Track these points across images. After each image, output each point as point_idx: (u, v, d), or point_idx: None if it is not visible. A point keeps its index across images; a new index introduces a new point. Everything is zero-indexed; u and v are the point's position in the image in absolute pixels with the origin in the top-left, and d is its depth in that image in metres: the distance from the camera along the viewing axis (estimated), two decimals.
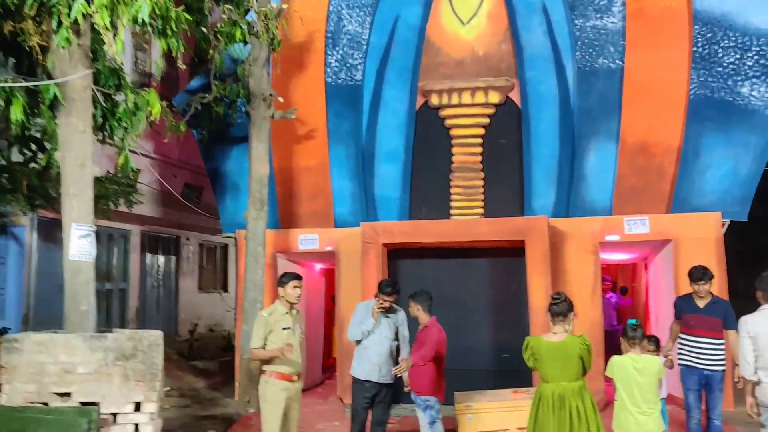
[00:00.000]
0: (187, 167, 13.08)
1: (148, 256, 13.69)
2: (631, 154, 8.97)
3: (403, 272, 9.25)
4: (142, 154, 11.90)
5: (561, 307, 4.46)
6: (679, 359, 6.28)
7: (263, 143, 8.48)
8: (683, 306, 6.41)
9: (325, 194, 9.87)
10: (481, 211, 9.50)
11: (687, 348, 6.19)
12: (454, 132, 9.64)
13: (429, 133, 9.78)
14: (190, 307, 14.52)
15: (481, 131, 9.60)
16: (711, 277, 6.15)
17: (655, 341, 6.15)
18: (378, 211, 9.82)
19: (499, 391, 6.07)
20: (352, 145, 9.86)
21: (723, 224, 8.55)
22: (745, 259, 11.21)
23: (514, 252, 8.47)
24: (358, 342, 5.87)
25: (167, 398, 9.72)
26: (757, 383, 4.79)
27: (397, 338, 5.96)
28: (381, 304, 5.75)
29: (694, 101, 8.67)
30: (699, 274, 6.15)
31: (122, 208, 10.34)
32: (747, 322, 4.95)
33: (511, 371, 8.65)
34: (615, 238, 8.75)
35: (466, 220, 8.98)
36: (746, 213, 8.71)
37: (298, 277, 5.39)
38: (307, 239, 9.59)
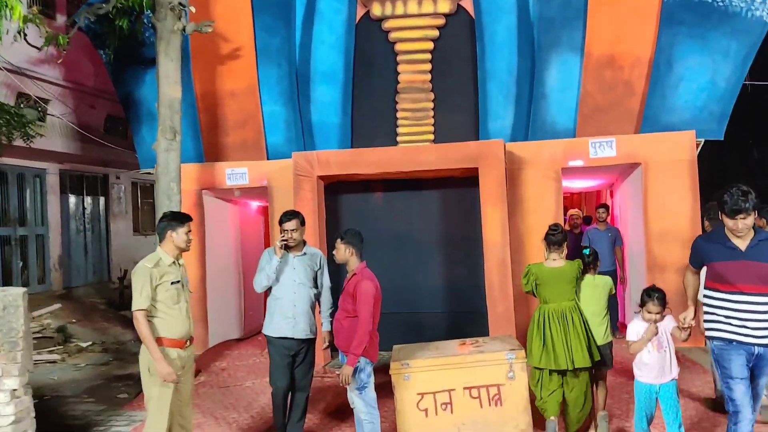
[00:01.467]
0: (107, 97, 11.62)
1: (71, 197, 12.39)
2: (596, 68, 7.94)
3: (344, 209, 8.25)
4: (49, 81, 10.48)
5: (558, 237, 4.85)
6: (712, 331, 3.96)
7: (173, 61, 7.20)
8: (710, 250, 3.93)
9: (255, 122, 8.68)
10: (432, 137, 8.46)
11: (722, 313, 3.88)
12: (399, 47, 8.46)
13: (371, 49, 8.60)
14: (125, 251, 13.34)
15: (430, 46, 8.44)
16: (754, 205, 3.70)
17: (661, 298, 4.31)
18: (316, 140, 8.71)
19: (444, 343, 5.17)
20: (285, 65, 8.62)
21: (697, 144, 7.67)
22: (718, 180, 10.43)
23: (467, 182, 7.50)
24: (269, 293, 4.87)
25: (87, 354, 8.75)
26: None
27: (316, 285, 4.97)
28: (283, 237, 4.73)
29: (668, 4, 7.61)
30: (736, 202, 3.67)
31: (21, 143, 8.99)
32: None
33: (464, 313, 7.87)
34: (579, 163, 7.83)
35: (412, 146, 7.92)
36: (723, 131, 7.84)
37: (190, 219, 4.33)
38: (235, 173, 8.46)
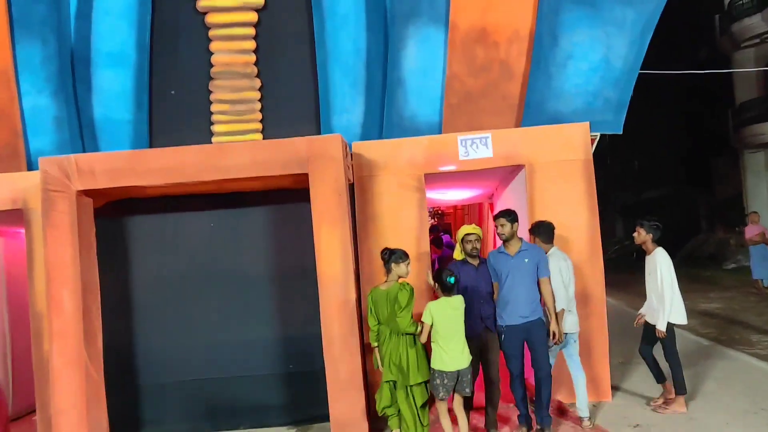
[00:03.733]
0: None
1: None
2: (465, 44, 6.17)
3: (131, 237, 5.97)
4: None
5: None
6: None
7: None
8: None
9: (9, 118, 6.26)
10: (260, 136, 6.40)
11: None
12: (211, 19, 6.35)
13: (174, 21, 6.45)
14: None
15: (253, 17, 6.39)
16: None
17: None
18: (100, 142, 6.41)
19: None
20: (53, 41, 6.29)
21: (592, 139, 6.02)
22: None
23: (304, 195, 5.45)
24: None
25: None
26: None
27: None
28: None
29: None
30: None
31: None
32: None
33: (299, 375, 5.81)
34: (449, 168, 5.98)
35: (215, 146, 5.76)
36: (621, 124, 6.26)
37: None
38: None
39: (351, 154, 5.91)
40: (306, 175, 5.22)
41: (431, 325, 4.69)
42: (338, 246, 5.12)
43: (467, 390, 4.74)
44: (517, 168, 6.13)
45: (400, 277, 4.87)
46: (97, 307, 5.45)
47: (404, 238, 5.86)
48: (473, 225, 5.53)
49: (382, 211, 5.92)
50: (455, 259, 5.56)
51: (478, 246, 5.23)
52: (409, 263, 4.93)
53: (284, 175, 5.32)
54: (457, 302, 4.76)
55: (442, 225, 15.68)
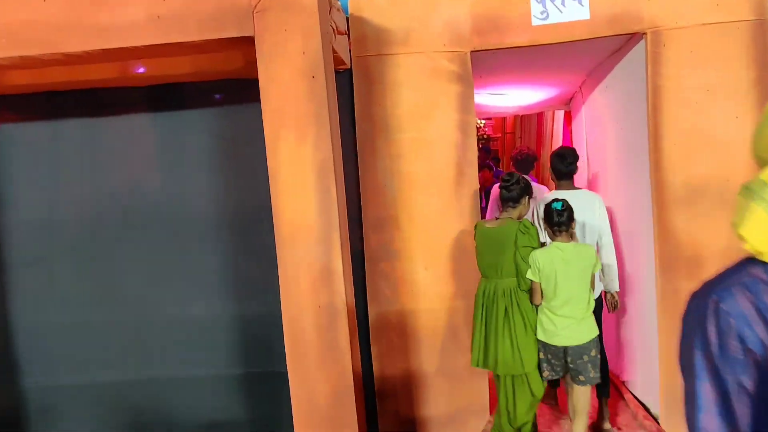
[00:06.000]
0: None
1: None
2: None
3: None
4: None
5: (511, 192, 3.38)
6: None
7: None
8: None
9: None
10: None
11: None
12: None
13: None
14: None
15: None
16: None
17: None
18: None
19: None
20: None
21: None
22: None
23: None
24: None
25: None
26: None
27: None
28: None
29: None
30: None
31: None
32: None
33: (252, 376, 3.61)
34: (514, 41, 3.50)
35: None
36: None
37: None
38: None
39: (347, 18, 3.51)
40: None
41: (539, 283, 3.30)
42: (310, 173, 2.76)
43: (582, 376, 3.29)
44: (629, 40, 3.64)
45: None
46: None
47: (438, 161, 3.53)
48: None
49: (401, 116, 3.55)
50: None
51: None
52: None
53: (223, 46, 2.93)
54: (574, 251, 3.26)
55: (489, 156, 12.37)
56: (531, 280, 3.26)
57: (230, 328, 3.70)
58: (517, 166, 4.76)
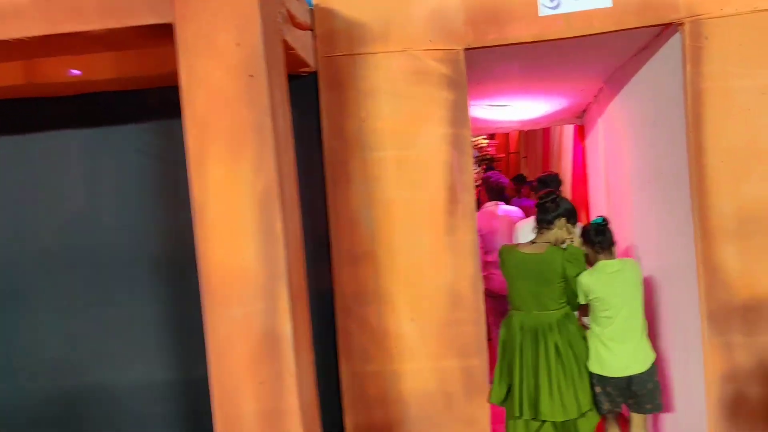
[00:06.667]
0: None
1: None
2: None
3: None
4: None
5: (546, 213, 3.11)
6: None
7: None
8: None
9: None
10: None
11: None
12: None
13: None
14: None
15: None
16: None
17: None
18: None
19: None
20: None
21: None
22: None
23: None
24: None
25: None
26: None
27: None
28: None
29: None
30: None
31: None
32: None
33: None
34: (516, 36, 2.82)
35: None
36: None
37: None
38: None
39: (312, 11, 2.84)
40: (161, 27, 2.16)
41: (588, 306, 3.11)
42: (248, 205, 2.06)
43: (648, 405, 3.05)
44: (661, 33, 2.95)
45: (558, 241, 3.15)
46: None
47: (426, 186, 2.85)
48: None
49: (379, 130, 2.87)
50: None
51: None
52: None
53: (138, 39, 2.25)
54: (622, 267, 3.05)
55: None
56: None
57: (173, 397, 2.98)
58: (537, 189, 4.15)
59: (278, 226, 2.07)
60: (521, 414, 2.99)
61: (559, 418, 2.94)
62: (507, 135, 11.87)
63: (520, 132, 9.61)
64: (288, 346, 2.07)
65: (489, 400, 3.01)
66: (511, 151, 12.21)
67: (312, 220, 2.87)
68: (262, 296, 2.06)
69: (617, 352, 2.97)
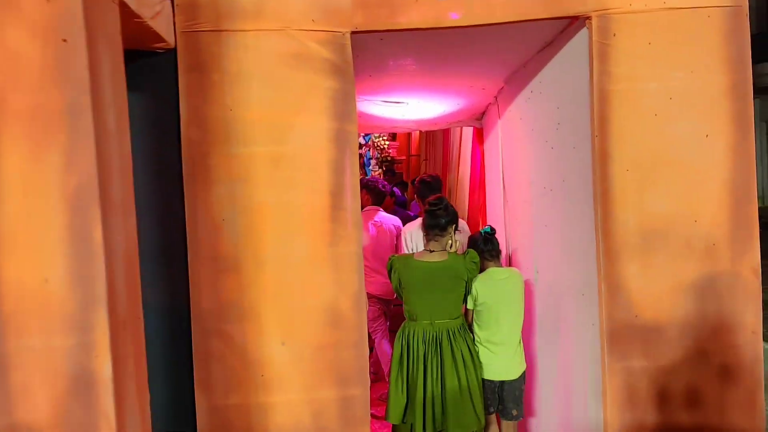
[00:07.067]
0: None
1: None
2: None
3: None
4: None
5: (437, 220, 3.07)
6: None
7: None
8: None
9: None
10: None
11: None
12: None
13: None
14: None
15: None
16: None
17: None
18: None
19: None
20: None
21: None
22: None
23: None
24: None
25: None
26: None
27: None
28: None
29: None
30: None
31: None
32: None
33: None
34: (408, 22, 2.48)
35: None
36: None
37: None
38: None
39: None
40: None
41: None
42: (56, 209, 1.59)
43: (514, 412, 3.11)
44: (566, 28, 2.70)
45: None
46: None
47: (303, 188, 2.45)
48: None
49: (249, 122, 2.44)
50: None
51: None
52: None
53: None
54: (508, 276, 3.13)
55: (394, 179, 10.60)
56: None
57: None
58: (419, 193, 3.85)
59: (97, 235, 1.61)
60: (424, 430, 2.92)
61: (458, 430, 2.92)
62: (409, 136, 11.67)
63: (421, 134, 9.40)
64: (106, 391, 1.61)
65: (387, 419, 2.99)
66: (413, 153, 12.02)
67: (165, 226, 2.41)
68: (70, 328, 1.58)
69: (500, 355, 3.07)
